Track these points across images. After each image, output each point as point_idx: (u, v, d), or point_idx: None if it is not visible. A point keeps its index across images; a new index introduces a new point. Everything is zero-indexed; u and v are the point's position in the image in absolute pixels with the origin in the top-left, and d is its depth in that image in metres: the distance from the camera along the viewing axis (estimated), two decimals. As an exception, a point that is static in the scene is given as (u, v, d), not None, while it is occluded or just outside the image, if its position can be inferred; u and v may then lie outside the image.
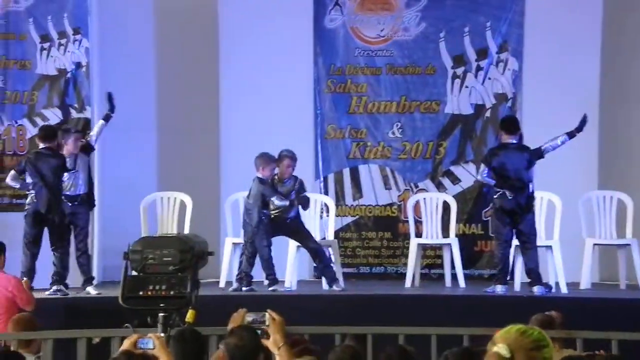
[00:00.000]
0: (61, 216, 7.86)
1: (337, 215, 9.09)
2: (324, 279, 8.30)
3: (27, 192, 7.90)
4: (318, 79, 9.65)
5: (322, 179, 9.59)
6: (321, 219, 8.98)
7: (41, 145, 7.91)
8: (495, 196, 8.11)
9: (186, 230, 8.44)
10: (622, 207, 8.67)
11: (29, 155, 8.15)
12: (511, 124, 8.27)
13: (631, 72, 9.56)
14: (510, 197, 7.98)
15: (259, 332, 3.90)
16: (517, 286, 8.34)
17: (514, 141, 8.12)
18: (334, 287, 8.13)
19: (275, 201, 8.10)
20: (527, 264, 8.09)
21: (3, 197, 9.03)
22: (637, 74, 9.55)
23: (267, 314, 3.89)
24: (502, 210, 8.05)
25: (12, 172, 7.96)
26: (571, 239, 8.46)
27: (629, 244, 8.50)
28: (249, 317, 3.92)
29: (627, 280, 8.54)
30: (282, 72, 9.41)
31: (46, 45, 9.07)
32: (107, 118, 8.24)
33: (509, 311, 6.93)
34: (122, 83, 9.36)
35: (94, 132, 8.33)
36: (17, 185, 8.00)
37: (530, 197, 8.08)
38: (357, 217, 9.60)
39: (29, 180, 7.86)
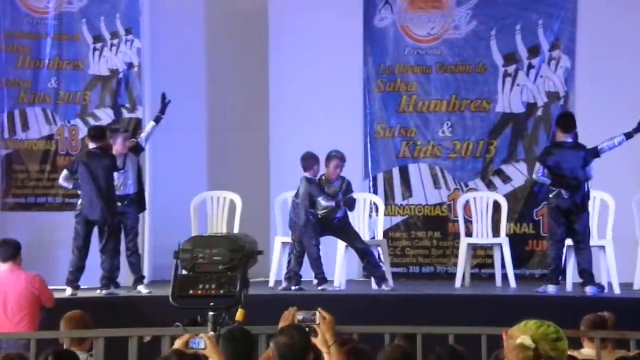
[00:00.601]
0: (112, 216, 7.92)
1: (386, 215, 9.06)
2: (372, 279, 8.27)
3: (79, 192, 7.98)
4: (368, 78, 9.62)
5: (371, 178, 9.56)
6: (370, 218, 8.95)
7: (91, 145, 7.99)
8: (550, 195, 8.01)
9: (235, 230, 8.46)
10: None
11: (80, 155, 8.24)
12: (567, 122, 8.15)
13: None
14: (566, 197, 7.89)
15: (307, 330, 3.89)
16: (568, 286, 8.24)
17: (570, 140, 8.01)
18: (383, 287, 8.09)
19: (322, 201, 8.09)
20: (580, 264, 7.98)
21: (55, 197, 9.14)
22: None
23: (317, 312, 3.88)
24: (557, 210, 7.95)
25: (65, 172, 8.06)
26: (624, 239, 8.32)
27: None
28: (299, 316, 3.91)
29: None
30: (332, 71, 9.40)
31: (98, 45, 9.15)
32: (157, 120, 8.29)
33: (560, 311, 6.84)
34: (173, 83, 9.40)
35: (144, 133, 8.39)
36: (70, 186, 8.08)
37: (586, 196, 7.98)
38: (407, 216, 9.55)
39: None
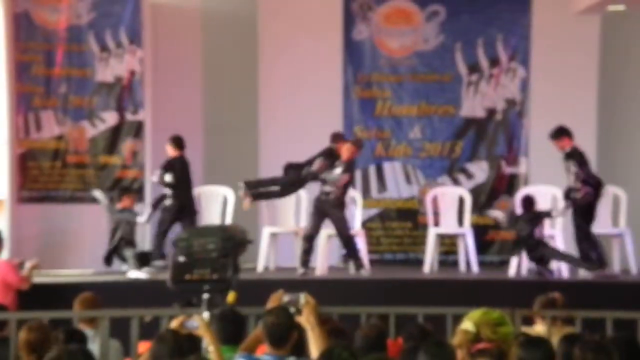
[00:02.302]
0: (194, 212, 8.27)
1: (363, 207, 9.04)
2: (352, 264, 8.25)
3: (167, 189, 8.14)
4: (347, 85, 9.60)
5: (349, 174, 9.52)
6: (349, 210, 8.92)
7: (175, 153, 8.20)
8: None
9: (228, 221, 8.43)
10: (617, 200, 8.63)
11: (175, 159, 8.25)
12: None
13: (626, 75, 9.46)
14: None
15: (292, 310, 3.87)
16: (523, 270, 8.27)
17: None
18: (362, 272, 8.06)
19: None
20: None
21: (65, 191, 9.07)
22: (633, 77, 9.44)
23: (301, 295, 3.86)
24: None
25: (158, 170, 8.21)
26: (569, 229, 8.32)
27: (621, 234, 8.48)
28: (285, 298, 3.90)
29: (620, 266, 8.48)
30: (315, 78, 9.39)
31: (105, 55, 9.09)
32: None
33: (515, 293, 6.86)
34: (171, 88, 9.38)
35: None
36: (156, 180, 8.25)
37: None
38: (382, 209, 9.54)
39: (168, 179, 8.12)
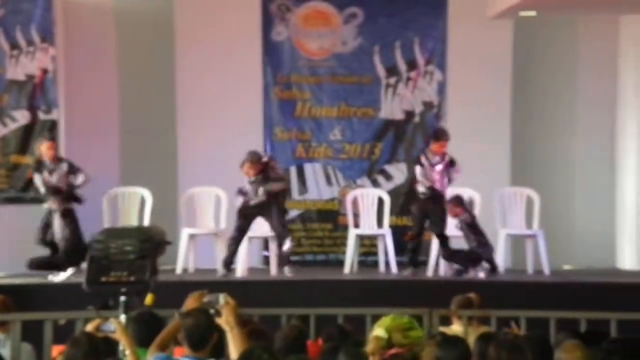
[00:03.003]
0: None
1: (284, 208, 9.02)
2: (274, 265, 8.22)
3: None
4: (266, 86, 9.57)
5: (271, 175, 9.50)
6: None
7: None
8: None
9: (146, 222, 8.29)
10: (530, 202, 8.85)
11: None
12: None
13: (538, 78, 9.73)
14: None
15: (212, 312, 3.84)
16: (441, 271, 8.42)
17: None
18: (286, 271, 8.07)
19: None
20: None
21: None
22: (545, 80, 9.71)
23: (221, 295, 3.84)
24: None
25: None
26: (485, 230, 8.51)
27: (535, 235, 8.65)
28: (205, 299, 3.87)
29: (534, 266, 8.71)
30: (234, 79, 9.33)
31: (15, 52, 8.84)
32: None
33: (432, 293, 6.97)
34: (86, 87, 9.18)
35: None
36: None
37: None
38: (303, 210, 9.55)
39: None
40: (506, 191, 8.99)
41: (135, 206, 8.58)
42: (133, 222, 8.36)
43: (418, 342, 2.71)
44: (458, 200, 8.22)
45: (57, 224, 7.89)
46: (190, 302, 3.90)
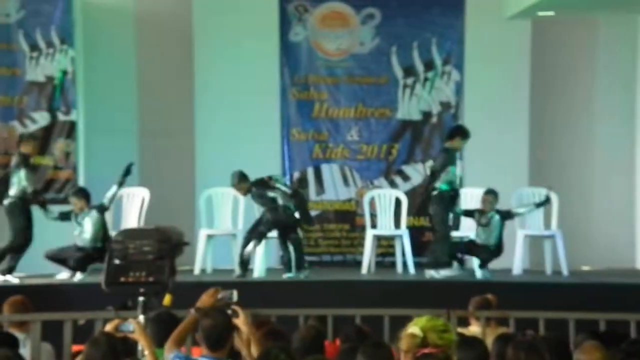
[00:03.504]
0: None
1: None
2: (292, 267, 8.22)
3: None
4: (284, 87, 9.59)
5: (288, 176, 9.53)
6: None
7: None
8: None
9: (142, 221, 8.30)
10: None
11: None
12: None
13: (556, 78, 9.68)
14: None
15: (229, 312, 3.86)
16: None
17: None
18: (300, 275, 8.07)
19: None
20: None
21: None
22: (563, 80, 9.66)
23: (234, 291, 3.87)
24: None
25: None
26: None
27: (553, 235, 8.61)
28: (219, 295, 3.90)
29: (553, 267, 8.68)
30: (252, 80, 9.35)
31: (35, 54, 8.91)
32: (120, 184, 7.99)
33: (451, 294, 6.95)
34: (105, 89, 9.23)
35: (109, 194, 8.01)
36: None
37: None
38: (320, 211, 9.56)
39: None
40: (524, 191, 8.95)
41: (136, 206, 8.57)
42: (133, 222, 8.35)
43: (451, 345, 2.75)
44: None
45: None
46: (205, 299, 3.93)
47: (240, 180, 8.10)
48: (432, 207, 8.15)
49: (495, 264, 8.34)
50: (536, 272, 8.79)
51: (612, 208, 9.61)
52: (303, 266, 8.09)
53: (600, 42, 9.68)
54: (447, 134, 8.45)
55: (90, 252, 7.86)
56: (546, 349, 3.68)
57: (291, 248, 8.11)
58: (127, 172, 8.01)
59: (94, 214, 7.94)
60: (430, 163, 8.95)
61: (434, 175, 8.10)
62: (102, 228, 7.95)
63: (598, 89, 9.72)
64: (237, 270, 8.10)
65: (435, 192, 8.05)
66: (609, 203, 9.63)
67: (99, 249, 7.79)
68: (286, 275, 8.05)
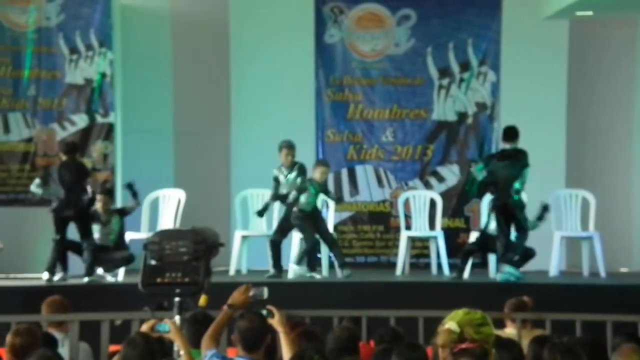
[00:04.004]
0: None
1: (336, 211, 9.05)
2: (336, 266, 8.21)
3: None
4: (319, 88, 9.61)
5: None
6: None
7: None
8: None
9: (178, 222, 8.37)
10: (585, 204, 8.73)
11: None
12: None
13: (595, 79, 9.60)
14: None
15: (264, 312, 3.88)
16: (491, 273, 8.35)
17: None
18: (343, 273, 8.04)
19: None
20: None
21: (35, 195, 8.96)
22: (601, 81, 9.57)
23: (265, 288, 3.89)
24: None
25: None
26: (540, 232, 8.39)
27: (590, 237, 8.53)
28: (251, 292, 3.93)
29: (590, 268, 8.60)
30: (287, 82, 9.39)
31: (74, 57, 9.03)
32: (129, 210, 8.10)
33: (486, 296, 6.90)
34: (142, 91, 9.33)
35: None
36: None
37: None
38: (354, 212, 9.56)
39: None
40: (561, 193, 8.87)
41: (172, 207, 8.63)
42: (169, 224, 8.42)
43: (489, 339, 2.70)
44: None
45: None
46: (237, 296, 3.95)
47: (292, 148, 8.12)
48: (520, 210, 7.93)
49: (531, 266, 8.27)
50: (573, 273, 8.70)
51: (652, 210, 9.48)
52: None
53: (639, 42, 9.54)
54: (510, 134, 8.16)
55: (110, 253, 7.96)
56: (583, 351, 3.64)
57: (327, 247, 8.15)
58: (132, 191, 8.04)
59: (116, 216, 8.04)
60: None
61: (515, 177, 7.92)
62: (120, 231, 8.03)
63: (637, 89, 9.58)
64: (271, 270, 8.12)
65: (520, 194, 7.89)
66: (648, 205, 9.50)
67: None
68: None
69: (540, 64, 9.33)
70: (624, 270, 9.19)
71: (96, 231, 7.97)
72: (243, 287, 3.97)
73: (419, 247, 9.21)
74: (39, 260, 8.04)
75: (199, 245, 4.33)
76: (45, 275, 7.77)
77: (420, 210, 8.90)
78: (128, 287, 6.73)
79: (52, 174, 7.92)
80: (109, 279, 7.95)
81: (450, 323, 2.70)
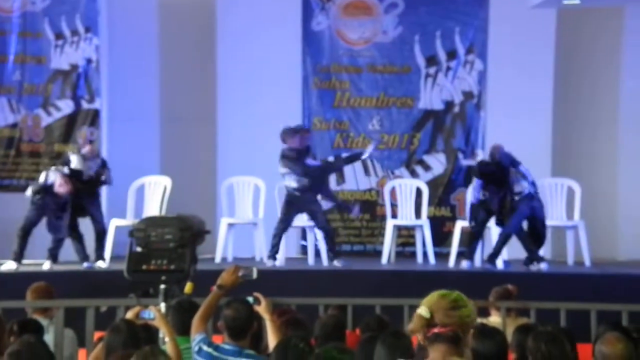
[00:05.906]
0: None
1: (322, 199, 9.04)
2: (327, 255, 8.21)
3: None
4: (306, 76, 9.58)
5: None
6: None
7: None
8: None
9: (163, 209, 8.36)
10: (571, 193, 8.76)
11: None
12: None
13: (581, 68, 9.62)
14: None
15: (250, 300, 3.89)
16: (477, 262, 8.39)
17: None
18: (335, 263, 8.06)
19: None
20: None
21: (19, 180, 8.92)
22: (588, 70, 9.60)
23: (254, 268, 3.90)
24: None
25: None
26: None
27: (576, 226, 8.55)
28: (239, 272, 3.94)
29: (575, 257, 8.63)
30: (274, 69, 9.36)
31: (60, 42, 8.97)
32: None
33: (471, 284, 6.94)
34: (128, 77, 9.28)
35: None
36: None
37: None
38: (340, 200, 9.56)
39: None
40: (547, 182, 8.90)
41: (158, 194, 8.61)
42: (155, 211, 8.40)
43: (464, 322, 2.65)
44: None
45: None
46: (226, 276, 3.96)
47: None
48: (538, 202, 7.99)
49: (516, 254, 8.31)
50: (558, 262, 8.74)
51: (637, 199, 9.53)
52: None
53: (625, 32, 9.57)
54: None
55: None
56: (567, 340, 3.66)
57: (321, 236, 8.15)
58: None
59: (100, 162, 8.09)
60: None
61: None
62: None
63: (623, 79, 9.62)
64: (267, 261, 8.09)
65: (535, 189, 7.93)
66: (634, 194, 9.54)
67: None
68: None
69: (527, 53, 9.34)
70: (608, 259, 9.25)
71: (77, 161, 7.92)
72: (232, 267, 3.98)
73: (405, 235, 9.23)
74: (29, 246, 8.00)
75: (184, 232, 4.33)
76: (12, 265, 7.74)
77: (406, 198, 8.91)
78: (114, 274, 6.73)
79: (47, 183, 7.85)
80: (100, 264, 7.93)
81: (422, 308, 2.69)
